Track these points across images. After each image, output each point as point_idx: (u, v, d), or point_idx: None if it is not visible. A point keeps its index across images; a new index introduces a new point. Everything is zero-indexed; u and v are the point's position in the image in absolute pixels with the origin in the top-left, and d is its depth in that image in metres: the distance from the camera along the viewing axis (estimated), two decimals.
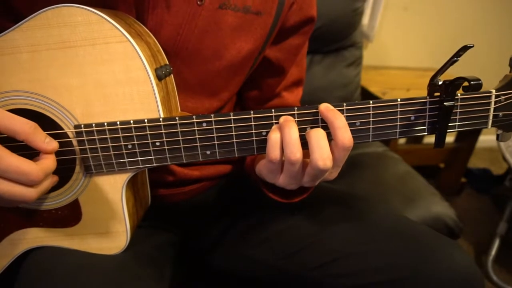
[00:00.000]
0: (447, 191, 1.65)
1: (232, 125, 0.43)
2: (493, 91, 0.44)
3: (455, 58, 0.39)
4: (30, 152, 0.40)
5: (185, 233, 0.68)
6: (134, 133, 0.43)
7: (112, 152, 0.44)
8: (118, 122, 0.43)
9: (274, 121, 0.43)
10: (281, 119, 0.43)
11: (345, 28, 1.16)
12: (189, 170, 0.61)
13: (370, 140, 0.45)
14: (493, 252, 1.35)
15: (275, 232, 0.62)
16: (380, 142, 1.25)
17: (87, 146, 0.44)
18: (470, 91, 0.40)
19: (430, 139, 1.79)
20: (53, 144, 0.41)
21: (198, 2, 0.48)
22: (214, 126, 0.43)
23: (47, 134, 0.41)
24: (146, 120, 0.43)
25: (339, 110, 0.43)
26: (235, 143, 0.44)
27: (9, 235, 0.49)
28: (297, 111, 0.43)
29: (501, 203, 1.54)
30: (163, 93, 0.44)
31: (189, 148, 0.44)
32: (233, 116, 0.43)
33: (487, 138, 2.01)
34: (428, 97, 0.43)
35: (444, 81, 0.42)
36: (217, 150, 0.45)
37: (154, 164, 0.45)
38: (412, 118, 0.44)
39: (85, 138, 0.44)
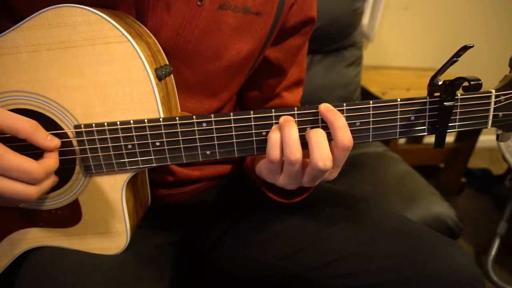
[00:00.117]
0: (447, 191, 1.65)
1: (232, 125, 0.44)
2: (493, 91, 0.44)
3: (455, 58, 0.39)
4: (32, 152, 0.40)
5: (185, 233, 0.68)
6: (134, 133, 0.43)
7: (112, 152, 0.44)
8: (118, 122, 0.43)
9: (274, 121, 0.43)
10: (281, 119, 0.43)
11: (345, 28, 1.16)
12: (189, 170, 0.61)
13: (370, 140, 0.45)
14: (493, 252, 1.35)
15: (275, 232, 0.62)
16: (380, 142, 1.25)
17: (87, 146, 0.44)
18: (470, 91, 0.41)
19: (430, 139, 1.79)
20: (55, 141, 0.41)
21: (198, 3, 0.48)
22: (214, 126, 0.43)
23: None
24: (146, 120, 0.43)
25: (339, 110, 0.43)
26: (235, 143, 0.44)
27: (9, 235, 0.49)
28: (297, 111, 0.43)
29: (501, 203, 1.54)
30: (163, 93, 0.44)
31: (189, 148, 0.44)
32: (233, 116, 0.43)
33: (487, 138, 2.02)
34: (428, 97, 0.43)
35: (444, 81, 0.42)
36: (217, 150, 0.45)
37: (154, 164, 0.45)
38: (412, 118, 0.44)
39: (85, 138, 0.44)
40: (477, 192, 1.78)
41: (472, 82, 0.39)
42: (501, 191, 1.71)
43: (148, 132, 0.43)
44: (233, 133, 0.44)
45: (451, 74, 0.41)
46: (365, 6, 1.30)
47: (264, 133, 0.44)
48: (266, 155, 0.43)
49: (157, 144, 0.44)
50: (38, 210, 0.48)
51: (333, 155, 0.42)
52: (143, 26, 0.46)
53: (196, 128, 0.43)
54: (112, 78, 0.42)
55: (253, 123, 0.43)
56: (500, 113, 0.45)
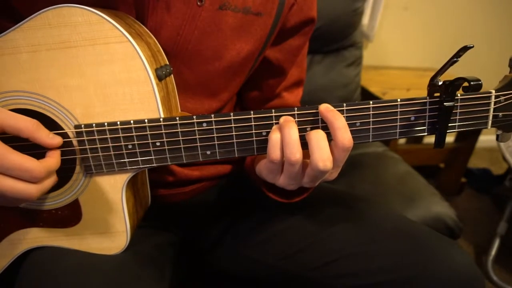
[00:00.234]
0: (447, 191, 1.65)
1: (232, 125, 0.44)
2: (493, 91, 0.44)
3: (455, 59, 0.39)
4: (34, 152, 0.40)
5: (185, 233, 0.68)
6: (134, 133, 0.43)
7: (112, 152, 0.44)
8: (118, 122, 0.43)
9: (274, 121, 0.43)
10: (281, 119, 0.43)
11: (345, 28, 1.16)
12: (189, 170, 0.61)
13: (370, 140, 0.45)
14: (493, 252, 1.35)
15: (275, 232, 0.62)
16: (380, 142, 1.25)
17: (87, 146, 0.44)
18: (470, 91, 0.41)
19: (430, 139, 1.79)
20: (57, 139, 0.41)
21: (198, 3, 0.48)
22: (214, 126, 0.43)
23: None
24: (146, 120, 0.43)
25: (339, 110, 0.43)
26: (235, 143, 0.44)
27: (9, 235, 0.49)
28: (297, 111, 0.43)
29: (501, 203, 1.54)
30: (163, 93, 0.44)
31: (189, 148, 0.44)
32: (233, 116, 0.43)
33: (487, 138, 2.02)
34: (428, 98, 0.43)
35: (444, 82, 0.42)
36: (217, 150, 0.45)
37: (154, 164, 0.45)
38: (412, 118, 0.44)
39: (85, 138, 0.44)
40: (477, 192, 1.78)
41: (472, 83, 0.39)
42: (501, 191, 1.71)
43: (148, 132, 0.43)
44: (233, 133, 0.44)
45: (451, 74, 0.41)
46: (365, 6, 1.30)
47: (264, 133, 0.44)
48: (267, 156, 0.43)
49: (158, 144, 0.44)
50: (38, 210, 0.48)
51: (333, 156, 0.42)
52: (143, 26, 0.46)
53: (196, 128, 0.44)
54: (112, 78, 0.42)
55: (253, 123, 0.44)
56: (500, 114, 0.45)
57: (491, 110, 0.44)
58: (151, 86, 0.42)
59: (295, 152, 0.41)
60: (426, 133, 0.45)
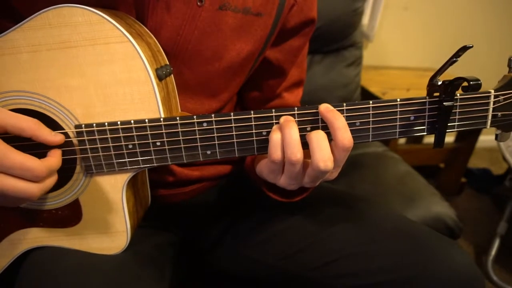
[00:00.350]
0: (447, 191, 1.65)
1: (233, 125, 0.44)
2: (492, 91, 0.44)
3: (454, 59, 0.40)
4: (35, 152, 0.40)
5: (185, 233, 0.68)
6: (134, 133, 0.44)
7: (112, 152, 0.44)
8: (119, 122, 0.43)
9: (274, 121, 0.43)
10: (282, 119, 0.43)
11: (345, 28, 1.16)
12: (189, 170, 0.61)
13: (370, 140, 0.45)
14: (493, 252, 1.35)
15: (275, 232, 0.62)
16: (380, 142, 1.25)
17: (87, 146, 0.44)
18: (469, 91, 0.41)
19: (430, 139, 1.79)
20: (60, 136, 0.42)
21: (198, 3, 0.48)
22: (214, 126, 0.44)
23: None
24: (146, 120, 0.43)
25: (339, 110, 0.43)
26: (236, 143, 0.45)
27: (9, 235, 0.49)
28: (297, 111, 0.43)
29: (501, 203, 1.54)
30: (163, 93, 0.44)
31: (190, 148, 0.45)
32: (233, 116, 0.43)
33: (487, 138, 2.01)
34: (427, 97, 0.43)
35: (443, 81, 0.42)
36: (217, 150, 0.45)
37: (155, 164, 0.45)
38: (412, 118, 0.44)
39: (85, 138, 0.44)
40: (477, 192, 1.78)
41: (471, 82, 0.39)
42: (501, 191, 1.71)
43: (148, 132, 0.43)
44: (234, 133, 0.44)
45: (450, 74, 0.41)
46: (365, 6, 1.30)
47: (264, 133, 0.44)
48: (268, 156, 0.43)
49: (158, 144, 0.44)
50: (39, 210, 0.48)
51: (334, 156, 0.42)
52: (144, 27, 0.46)
53: (196, 128, 0.44)
54: (112, 78, 0.42)
55: (253, 123, 0.44)
56: (499, 113, 0.45)
57: (490, 109, 0.45)
58: (151, 86, 0.42)
59: (296, 152, 0.41)
60: (425, 133, 0.45)
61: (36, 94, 0.43)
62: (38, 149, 0.41)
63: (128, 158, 0.45)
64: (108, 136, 0.44)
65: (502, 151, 1.35)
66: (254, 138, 0.44)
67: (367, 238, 0.55)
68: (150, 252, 0.56)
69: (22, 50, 0.42)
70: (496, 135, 0.47)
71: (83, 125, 0.43)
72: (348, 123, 0.42)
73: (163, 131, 0.43)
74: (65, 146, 0.44)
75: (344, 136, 0.41)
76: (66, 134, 0.44)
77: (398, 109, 0.44)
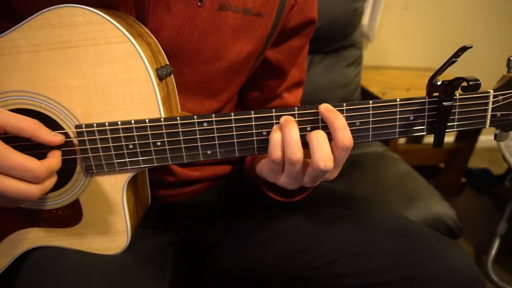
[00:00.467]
0: (447, 191, 1.65)
1: (233, 125, 0.44)
2: (491, 91, 0.44)
3: (453, 59, 0.40)
4: (35, 152, 0.40)
5: (185, 233, 0.68)
6: (135, 133, 0.44)
7: (113, 152, 0.44)
8: (119, 122, 0.43)
9: (274, 121, 0.44)
10: (282, 119, 0.43)
11: (345, 28, 1.16)
12: (189, 170, 0.61)
13: (370, 140, 0.45)
14: (493, 252, 1.35)
15: (275, 232, 0.62)
16: (380, 142, 1.25)
17: (88, 146, 0.44)
18: (468, 91, 0.41)
19: (430, 139, 1.78)
20: (60, 136, 0.41)
21: (198, 3, 0.48)
22: (215, 126, 0.44)
23: None
24: (147, 120, 0.43)
25: (339, 110, 0.43)
26: (236, 143, 0.45)
27: (9, 235, 0.49)
28: (297, 111, 0.43)
29: (501, 203, 1.54)
30: (164, 93, 0.44)
31: (190, 148, 0.45)
32: (233, 116, 0.43)
33: (487, 138, 2.01)
34: (427, 97, 0.43)
35: (443, 81, 0.42)
36: (218, 150, 0.45)
37: (155, 164, 0.45)
38: (411, 118, 0.44)
39: (86, 138, 0.44)
40: (477, 192, 1.79)
41: (470, 82, 0.40)
42: (501, 191, 1.71)
43: (149, 132, 0.44)
44: (234, 132, 0.44)
45: (450, 74, 0.41)
46: (365, 6, 1.30)
47: (264, 133, 0.44)
48: (268, 155, 0.43)
49: (158, 144, 0.44)
50: (39, 210, 0.48)
51: (334, 155, 0.42)
52: (144, 27, 0.46)
53: (197, 128, 0.44)
54: (113, 78, 0.42)
55: (253, 123, 0.44)
56: (498, 113, 0.45)
57: (489, 109, 0.45)
58: (151, 86, 0.42)
59: (296, 152, 0.41)
60: (425, 133, 0.45)
61: (37, 94, 0.43)
62: (37, 149, 0.41)
63: (128, 158, 0.45)
64: (109, 136, 0.44)
65: (502, 151, 1.35)
66: (255, 138, 0.44)
67: (367, 238, 0.55)
68: (150, 252, 0.56)
69: (23, 50, 0.42)
70: (495, 135, 0.47)
71: (83, 125, 0.43)
72: (348, 123, 0.42)
73: (164, 131, 0.44)
74: (66, 146, 0.44)
75: (344, 136, 0.41)
76: (66, 134, 0.44)
77: (398, 109, 0.44)
